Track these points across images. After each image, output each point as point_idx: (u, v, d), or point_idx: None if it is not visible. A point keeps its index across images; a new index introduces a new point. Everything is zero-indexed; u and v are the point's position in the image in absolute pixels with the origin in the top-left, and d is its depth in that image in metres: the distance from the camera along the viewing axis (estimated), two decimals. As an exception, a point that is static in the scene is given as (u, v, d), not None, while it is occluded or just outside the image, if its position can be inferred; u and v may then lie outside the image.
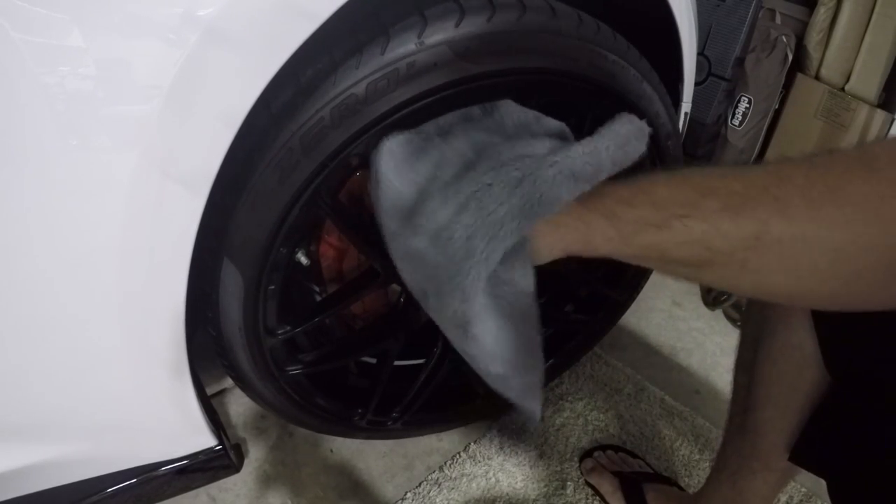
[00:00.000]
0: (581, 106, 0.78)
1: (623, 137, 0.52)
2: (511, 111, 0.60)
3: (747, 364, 0.73)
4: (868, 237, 0.37)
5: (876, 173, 0.37)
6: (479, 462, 1.09)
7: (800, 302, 0.44)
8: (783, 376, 0.68)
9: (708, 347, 1.40)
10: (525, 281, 0.50)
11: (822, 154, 0.40)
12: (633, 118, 0.55)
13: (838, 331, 0.60)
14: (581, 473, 1.08)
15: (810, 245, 0.38)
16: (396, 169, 0.55)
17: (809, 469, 0.68)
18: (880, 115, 1.67)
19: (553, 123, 0.59)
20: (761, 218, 0.39)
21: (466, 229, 0.48)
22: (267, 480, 1.05)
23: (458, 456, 1.10)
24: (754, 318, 0.72)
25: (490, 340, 0.53)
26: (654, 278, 1.19)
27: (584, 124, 0.78)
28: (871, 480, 0.59)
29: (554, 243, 0.49)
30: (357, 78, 0.61)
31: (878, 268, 0.38)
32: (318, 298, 0.93)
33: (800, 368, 0.66)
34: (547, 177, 0.47)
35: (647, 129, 0.55)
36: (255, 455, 1.08)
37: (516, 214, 0.47)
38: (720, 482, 0.82)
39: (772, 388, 0.69)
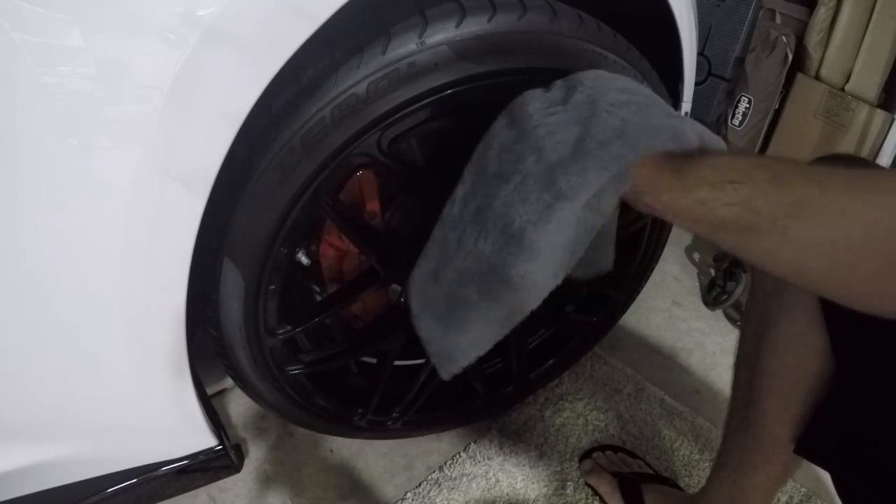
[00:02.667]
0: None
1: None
2: None
3: (749, 359, 0.73)
4: None
5: None
6: (479, 462, 1.09)
7: (836, 284, 0.47)
8: (786, 367, 0.68)
9: (708, 347, 1.40)
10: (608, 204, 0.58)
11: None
12: None
13: (849, 319, 0.60)
14: (580, 474, 1.08)
15: (846, 218, 0.44)
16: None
17: (815, 461, 0.68)
18: (880, 115, 1.66)
19: None
20: (802, 189, 0.46)
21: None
22: (267, 480, 1.05)
23: (458, 456, 1.10)
24: (755, 314, 0.72)
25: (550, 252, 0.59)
26: (655, 278, 1.19)
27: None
28: (879, 472, 0.59)
29: (634, 175, 0.55)
30: (358, 78, 0.61)
31: None
32: (319, 298, 0.93)
33: (803, 359, 0.66)
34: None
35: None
36: (255, 455, 1.08)
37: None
38: (721, 480, 0.82)
39: (775, 380, 0.69)
